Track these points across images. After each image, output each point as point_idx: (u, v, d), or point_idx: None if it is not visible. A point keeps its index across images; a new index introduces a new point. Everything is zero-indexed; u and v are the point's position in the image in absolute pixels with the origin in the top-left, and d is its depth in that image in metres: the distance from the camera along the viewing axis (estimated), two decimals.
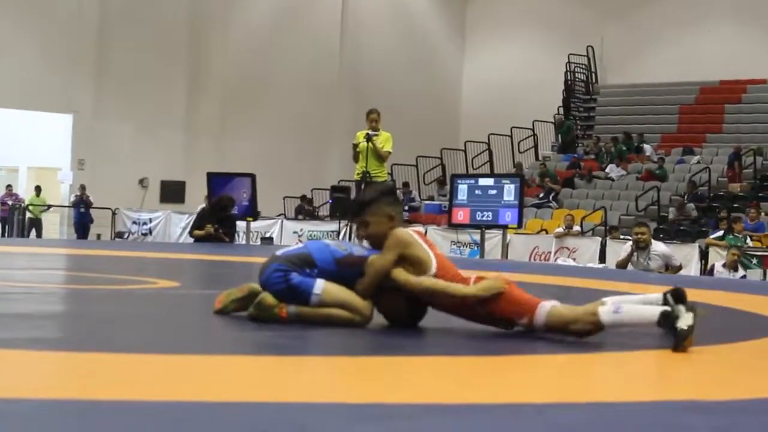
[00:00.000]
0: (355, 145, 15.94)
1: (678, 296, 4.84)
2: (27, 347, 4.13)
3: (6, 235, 26.39)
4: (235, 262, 11.96)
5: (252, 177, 18.72)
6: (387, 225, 5.22)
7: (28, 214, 27.91)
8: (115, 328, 5.05)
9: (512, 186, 16.85)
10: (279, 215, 26.21)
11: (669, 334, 4.70)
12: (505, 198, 16.71)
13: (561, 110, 32.56)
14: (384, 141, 15.82)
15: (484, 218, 16.88)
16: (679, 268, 14.15)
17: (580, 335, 4.89)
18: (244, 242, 19.50)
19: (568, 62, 32.89)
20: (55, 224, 28.98)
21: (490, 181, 17.51)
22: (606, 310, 4.81)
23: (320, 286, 5.13)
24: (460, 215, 17.25)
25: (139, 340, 4.67)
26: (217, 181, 18.95)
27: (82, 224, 27.49)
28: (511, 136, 31.87)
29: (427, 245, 5.20)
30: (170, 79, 30.31)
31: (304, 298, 5.13)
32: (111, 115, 29.35)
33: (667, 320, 4.68)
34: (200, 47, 31.02)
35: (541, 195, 26.71)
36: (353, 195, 18.71)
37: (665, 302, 4.84)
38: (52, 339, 4.63)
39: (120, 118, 29.48)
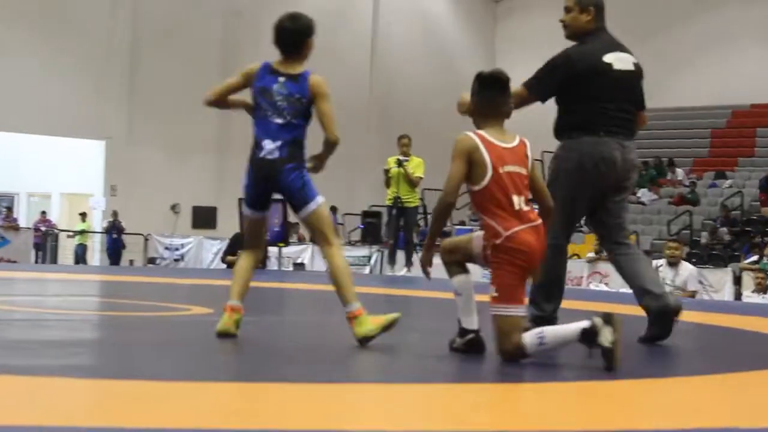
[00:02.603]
0: (387, 171, 16.00)
1: (606, 319, 4.85)
2: (60, 374, 4.15)
3: (39, 261, 26.48)
4: (268, 288, 11.96)
5: (283, 202, 18.64)
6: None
7: (76, 240, 28.02)
8: (151, 355, 5.06)
9: None
10: (310, 240, 26.22)
11: (596, 353, 4.84)
12: None
13: None
14: (415, 167, 15.87)
15: None
16: (694, 293, 14.10)
17: (503, 355, 5.04)
18: (276, 268, 19.54)
19: None
20: (88, 250, 29.10)
21: None
22: (531, 341, 4.95)
23: (319, 201, 5.88)
24: None
25: (176, 367, 4.68)
26: None
27: (114, 250, 27.58)
28: (542, 161, 31.78)
29: (491, 157, 5.24)
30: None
31: (306, 201, 5.88)
32: (143, 141, 29.48)
33: (588, 336, 4.82)
34: (231, 71, 31.08)
35: None
36: (384, 220, 18.72)
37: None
38: (85, 366, 4.64)
39: (152, 144, 29.61)
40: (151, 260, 26.33)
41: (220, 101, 6.26)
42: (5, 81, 27.64)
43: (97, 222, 29.43)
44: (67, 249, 28.20)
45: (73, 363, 4.67)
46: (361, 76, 33.73)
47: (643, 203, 27.79)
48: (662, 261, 14.31)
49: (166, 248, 26.25)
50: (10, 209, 29.47)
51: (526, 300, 5.36)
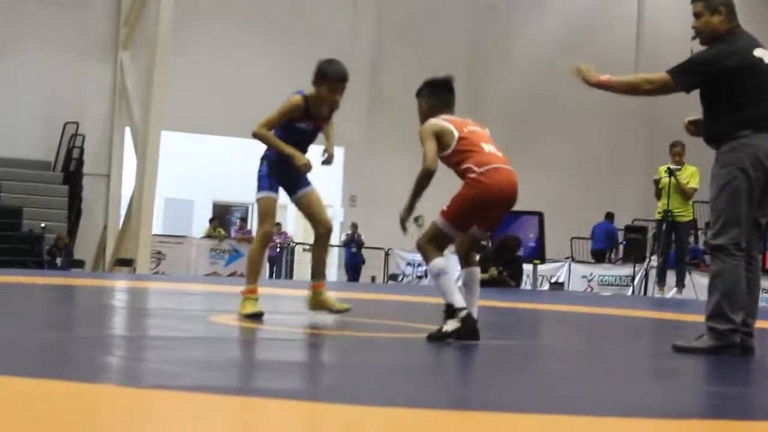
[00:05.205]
0: (657, 181, 15.73)
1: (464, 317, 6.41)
2: (306, 398, 4.15)
3: (274, 276, 27.02)
4: (522, 309, 11.88)
5: (539, 215, 18.64)
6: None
7: None
8: (408, 380, 5.02)
9: None
10: (567, 258, 25.89)
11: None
12: None
13: None
14: (689, 176, 15.52)
15: None
16: None
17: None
18: (530, 287, 19.41)
19: None
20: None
21: None
22: (435, 267, 6.70)
23: (262, 194, 8.64)
24: None
25: (435, 394, 4.61)
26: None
27: (353, 265, 27.95)
28: None
29: (454, 125, 6.86)
30: None
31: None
32: (383, 148, 29.78)
33: (447, 311, 6.47)
34: (479, 74, 31.15)
35: None
36: (650, 235, 18.40)
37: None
38: (333, 389, 4.61)
39: (393, 152, 29.87)
40: (393, 277, 26.58)
41: None
42: (241, 85, 28.43)
43: (335, 234, 29.87)
44: (303, 263, 28.73)
45: (319, 386, 4.68)
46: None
47: None
48: None
49: (408, 264, 26.44)
50: (244, 220, 30.28)
51: (471, 229, 6.90)
